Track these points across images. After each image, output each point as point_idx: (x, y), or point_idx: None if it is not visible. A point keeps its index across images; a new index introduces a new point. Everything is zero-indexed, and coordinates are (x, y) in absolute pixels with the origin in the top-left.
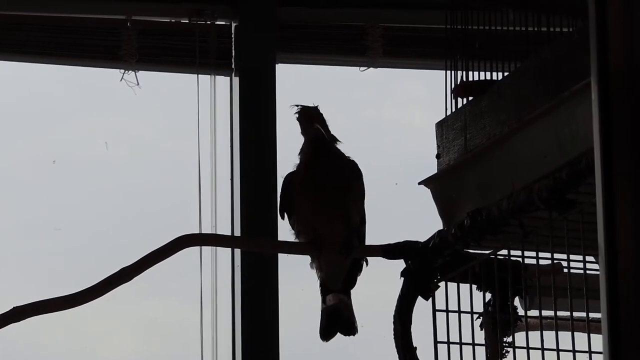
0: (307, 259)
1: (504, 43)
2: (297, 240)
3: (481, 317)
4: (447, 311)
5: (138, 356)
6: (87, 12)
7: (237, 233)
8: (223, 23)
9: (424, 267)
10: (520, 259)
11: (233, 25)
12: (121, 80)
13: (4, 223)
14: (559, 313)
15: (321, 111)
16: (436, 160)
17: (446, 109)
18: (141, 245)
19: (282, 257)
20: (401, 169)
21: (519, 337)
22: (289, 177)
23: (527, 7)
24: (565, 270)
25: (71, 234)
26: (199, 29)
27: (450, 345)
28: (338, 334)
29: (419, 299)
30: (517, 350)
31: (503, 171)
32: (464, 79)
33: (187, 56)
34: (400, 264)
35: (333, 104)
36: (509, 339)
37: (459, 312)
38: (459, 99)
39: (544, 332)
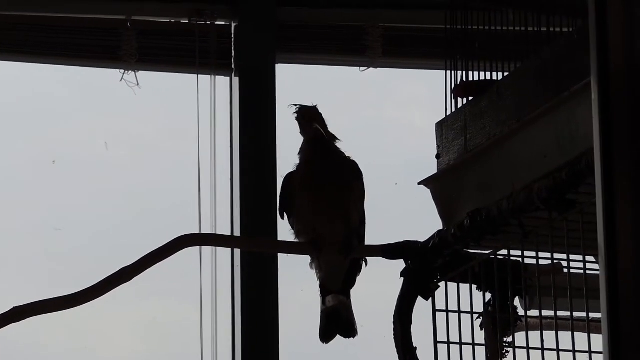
0: (307, 259)
1: (504, 43)
2: (297, 240)
3: (481, 317)
4: (447, 311)
5: (138, 356)
6: (86, 12)
7: (237, 233)
8: (223, 23)
9: (423, 267)
10: (520, 259)
11: (233, 25)
12: (121, 80)
13: (4, 223)
14: (559, 313)
15: (320, 111)
16: (436, 160)
17: (446, 109)
18: (141, 245)
19: (282, 257)
20: (401, 169)
21: (519, 337)
22: (288, 177)
23: (527, 7)
24: (565, 270)
25: (71, 234)
26: (198, 29)
27: (450, 345)
28: (338, 335)
29: (419, 299)
30: (517, 350)
31: (503, 171)
32: (464, 79)
33: (187, 56)
34: (400, 264)
35: (333, 104)
36: (509, 339)
37: (459, 312)
38: (459, 99)
39: (544, 332)
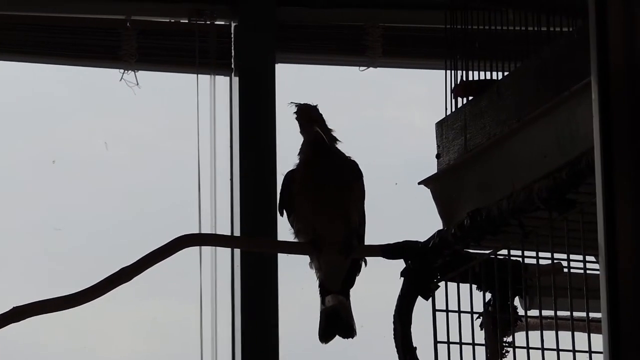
0: (306, 258)
1: (504, 43)
2: (296, 240)
3: (481, 317)
4: (447, 311)
5: (138, 356)
6: (86, 12)
7: (237, 233)
8: (223, 23)
9: (423, 267)
10: (520, 259)
11: (233, 25)
12: (121, 80)
13: (4, 223)
14: (559, 313)
15: (321, 111)
16: (436, 160)
17: (446, 108)
18: (141, 245)
19: (282, 257)
20: (401, 169)
21: (519, 337)
22: (289, 175)
23: (527, 7)
24: (565, 270)
25: (71, 234)
26: (198, 29)
27: (450, 345)
28: (337, 336)
29: (419, 298)
30: (517, 350)
31: (503, 171)
32: (464, 79)
33: (186, 56)
34: (400, 264)
35: (333, 104)
36: (509, 339)
37: (459, 312)
38: (459, 99)
39: (544, 332)
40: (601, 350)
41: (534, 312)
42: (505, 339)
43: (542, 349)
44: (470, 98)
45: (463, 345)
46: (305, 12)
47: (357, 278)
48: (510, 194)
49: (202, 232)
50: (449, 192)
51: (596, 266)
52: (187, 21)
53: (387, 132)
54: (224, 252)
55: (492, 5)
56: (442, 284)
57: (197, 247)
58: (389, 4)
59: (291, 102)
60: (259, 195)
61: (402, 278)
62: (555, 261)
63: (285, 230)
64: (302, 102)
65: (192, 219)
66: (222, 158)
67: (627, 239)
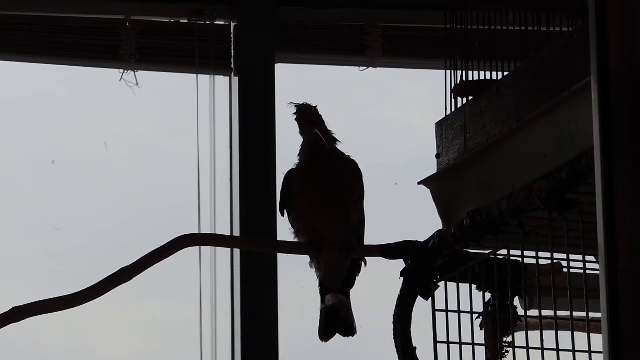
0: (306, 258)
1: (503, 43)
2: (296, 240)
3: (481, 317)
4: (446, 311)
5: (138, 356)
6: (86, 12)
7: (237, 233)
8: (222, 23)
9: (423, 267)
10: (520, 259)
11: (232, 25)
12: (120, 80)
13: (4, 223)
14: (559, 313)
15: (320, 111)
16: (436, 160)
17: (446, 108)
18: (141, 245)
19: (281, 257)
20: (401, 169)
21: (519, 337)
22: (289, 174)
23: (527, 7)
24: (565, 270)
25: (71, 234)
26: (198, 29)
27: (450, 345)
28: (337, 334)
29: (419, 298)
30: (517, 350)
31: (503, 171)
32: (464, 79)
33: (186, 56)
34: (399, 264)
35: (333, 104)
36: (509, 339)
37: (459, 312)
38: (459, 99)
39: (543, 332)
40: (601, 350)
41: (533, 312)
42: (505, 339)
43: (542, 349)
44: (470, 98)
45: (463, 345)
46: (305, 12)
47: (357, 278)
48: (510, 194)
49: (202, 232)
50: (448, 192)
51: (596, 266)
52: (187, 21)
53: (387, 132)
54: (223, 252)
55: (492, 5)
56: (441, 284)
57: (197, 247)
58: (389, 4)
59: (290, 103)
60: (258, 195)
61: (402, 278)
62: (555, 261)
63: (285, 230)
64: (301, 103)
65: (192, 219)
66: (222, 158)
67: (627, 239)
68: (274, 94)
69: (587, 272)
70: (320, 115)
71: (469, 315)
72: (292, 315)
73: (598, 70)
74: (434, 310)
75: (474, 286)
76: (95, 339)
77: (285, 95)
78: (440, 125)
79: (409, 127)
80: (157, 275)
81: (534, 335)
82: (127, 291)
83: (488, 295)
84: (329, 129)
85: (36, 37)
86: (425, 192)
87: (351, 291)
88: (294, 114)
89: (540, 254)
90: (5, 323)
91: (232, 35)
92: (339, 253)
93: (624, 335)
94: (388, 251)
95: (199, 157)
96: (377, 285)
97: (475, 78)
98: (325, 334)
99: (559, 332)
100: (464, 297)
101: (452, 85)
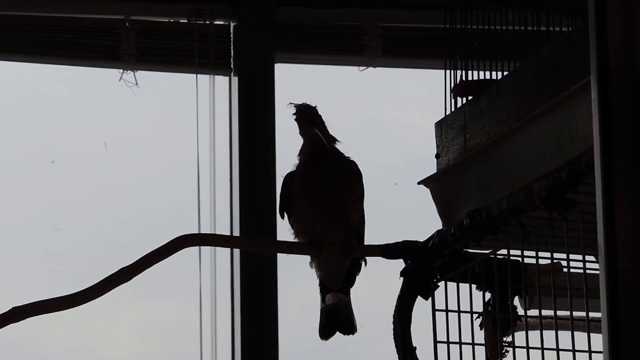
0: (306, 258)
1: (503, 43)
2: (296, 240)
3: (481, 317)
4: (446, 311)
5: (138, 356)
6: (86, 12)
7: (236, 233)
8: (222, 23)
9: (423, 267)
10: (520, 259)
11: (232, 25)
12: (120, 80)
13: (4, 223)
14: (559, 313)
15: (320, 111)
16: (436, 160)
17: (445, 108)
18: (141, 245)
19: (281, 257)
20: (401, 169)
21: (519, 337)
22: (289, 177)
23: (526, 7)
24: (565, 270)
25: (71, 234)
26: (198, 28)
27: (450, 345)
28: (337, 333)
29: (419, 298)
30: (516, 349)
31: (502, 171)
32: (464, 79)
33: (186, 56)
34: (399, 264)
35: (333, 104)
36: (509, 339)
37: (459, 311)
38: (459, 99)
39: (543, 331)
40: (601, 350)
41: (533, 312)
42: (504, 339)
43: (542, 349)
44: (470, 98)
45: (463, 345)
46: (305, 12)
47: (357, 277)
48: (510, 193)
49: (202, 232)
50: (448, 192)
51: (596, 266)
52: (186, 21)
53: (386, 132)
54: (223, 252)
55: (491, 5)
56: (441, 283)
57: (197, 247)
58: (388, 4)
59: (290, 103)
60: (258, 195)
61: (402, 278)
62: (555, 261)
63: (285, 231)
64: (300, 103)
65: (191, 219)
66: (222, 158)
67: (627, 239)
68: (273, 94)
69: (587, 272)
70: (320, 116)
71: (469, 315)
72: (292, 315)
73: (598, 69)
74: (434, 310)
75: (473, 286)
76: (95, 339)
77: (284, 95)
78: (439, 125)
79: (408, 127)
80: (156, 275)
81: (534, 335)
82: (126, 291)
83: (488, 295)
84: (328, 129)
85: (36, 37)
86: (425, 192)
87: (351, 290)
88: (294, 114)
89: (540, 254)
90: (5, 323)
91: (231, 35)
92: (339, 253)
93: (624, 335)
94: (388, 251)
95: (198, 157)
96: (377, 285)
97: (475, 78)
98: (325, 333)
99: (559, 332)
100: (464, 297)
101: (452, 85)
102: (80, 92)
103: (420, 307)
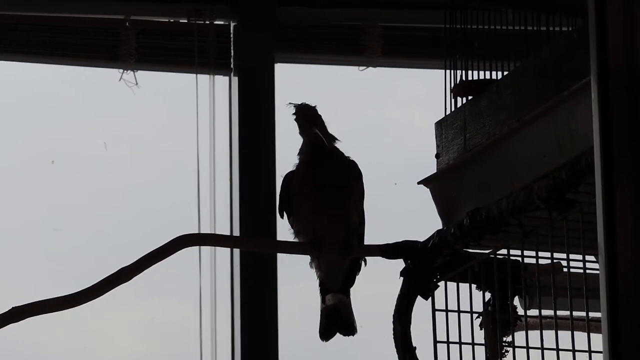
0: (306, 258)
1: (503, 42)
2: (296, 240)
3: (481, 317)
4: (446, 311)
5: (137, 356)
6: (86, 12)
7: (236, 233)
8: (222, 23)
9: (423, 267)
10: (520, 259)
11: (232, 25)
12: (120, 80)
13: (4, 223)
14: (559, 312)
15: (320, 111)
16: (436, 160)
17: (445, 108)
18: (141, 245)
19: (281, 257)
20: (401, 168)
21: (519, 337)
22: (288, 176)
23: (526, 7)
24: (565, 269)
25: (71, 234)
26: (197, 28)
27: (450, 345)
28: (338, 334)
29: (419, 298)
30: (516, 349)
31: (502, 171)
32: (464, 79)
33: (186, 56)
34: (399, 264)
35: (333, 104)
36: (509, 339)
37: (459, 311)
38: (459, 99)
39: (543, 331)
40: (601, 350)
41: (533, 312)
42: (504, 339)
43: (542, 349)
44: (470, 98)
45: (463, 345)
46: (305, 12)
47: (357, 277)
48: (510, 193)
49: (202, 232)
50: (448, 192)
51: (596, 266)
52: (186, 21)
53: (386, 132)
54: (223, 252)
55: (491, 5)
56: (441, 283)
57: (197, 247)
58: (388, 4)
59: (289, 103)
60: (258, 195)
61: (402, 278)
62: (555, 261)
63: (285, 230)
64: (300, 103)
65: (191, 219)
66: (222, 158)
67: (627, 239)
68: (273, 94)
69: (587, 271)
70: (320, 115)
71: (469, 315)
72: (292, 315)
73: (598, 69)
74: (434, 310)
75: (473, 286)
76: (95, 339)
77: (284, 95)
78: (439, 125)
79: (408, 127)
80: (156, 275)
81: (534, 335)
82: (126, 291)
83: (488, 295)
84: (328, 128)
85: (36, 37)
86: (425, 192)
87: (351, 291)
88: (293, 114)
89: (540, 254)
90: (5, 323)
91: (231, 35)
92: (339, 253)
93: (624, 335)
94: (388, 251)
95: (198, 157)
96: (377, 285)
97: (475, 78)
98: (325, 334)
99: (559, 332)
100: (464, 297)
101: (452, 85)
102: (80, 92)
103: (420, 307)
